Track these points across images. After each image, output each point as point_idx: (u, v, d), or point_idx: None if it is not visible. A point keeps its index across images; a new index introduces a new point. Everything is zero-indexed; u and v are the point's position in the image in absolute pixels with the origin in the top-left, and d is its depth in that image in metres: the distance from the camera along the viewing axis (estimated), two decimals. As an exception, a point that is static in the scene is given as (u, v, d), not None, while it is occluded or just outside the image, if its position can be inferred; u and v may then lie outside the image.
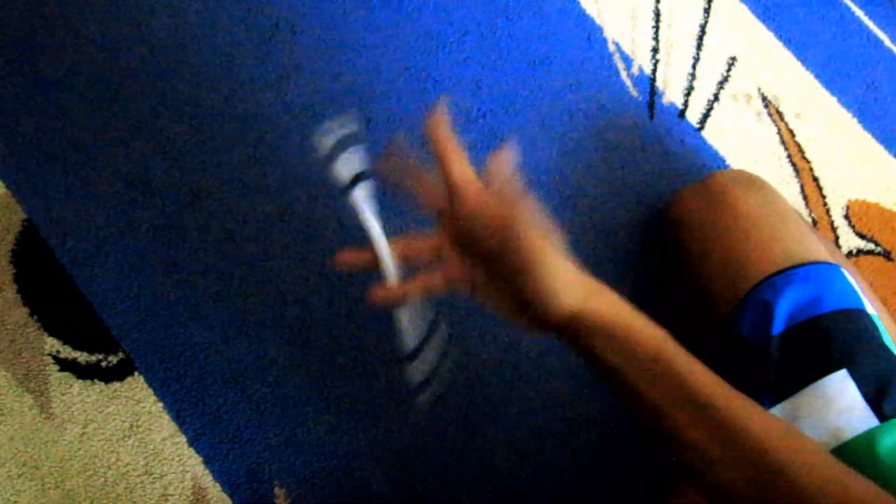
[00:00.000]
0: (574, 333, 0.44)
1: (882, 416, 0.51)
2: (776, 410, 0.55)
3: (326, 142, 0.47)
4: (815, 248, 0.61)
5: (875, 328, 0.56)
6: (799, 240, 0.62)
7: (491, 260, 0.45)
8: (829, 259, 0.60)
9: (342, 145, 0.48)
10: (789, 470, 0.39)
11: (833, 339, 0.54)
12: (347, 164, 0.48)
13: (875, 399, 0.52)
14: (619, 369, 0.43)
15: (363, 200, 0.48)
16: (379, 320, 0.78)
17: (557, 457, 0.77)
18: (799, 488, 0.38)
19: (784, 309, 0.57)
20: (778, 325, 0.57)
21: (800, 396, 0.54)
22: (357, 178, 0.48)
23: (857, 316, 0.56)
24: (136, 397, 0.75)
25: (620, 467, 0.77)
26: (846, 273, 0.59)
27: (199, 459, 0.74)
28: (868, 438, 0.51)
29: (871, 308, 0.58)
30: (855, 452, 0.51)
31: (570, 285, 0.43)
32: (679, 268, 0.74)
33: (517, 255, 0.42)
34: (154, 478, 0.74)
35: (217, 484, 0.74)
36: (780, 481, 0.39)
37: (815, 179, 0.87)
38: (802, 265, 0.58)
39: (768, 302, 0.57)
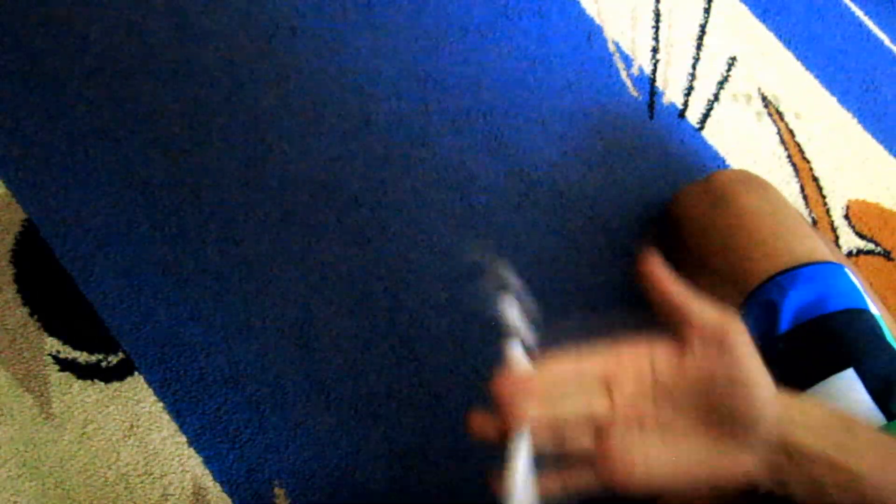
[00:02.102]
0: (784, 457, 0.36)
1: (889, 415, 0.51)
2: None
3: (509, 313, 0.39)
4: (818, 248, 0.61)
5: (879, 328, 0.56)
6: (802, 239, 0.62)
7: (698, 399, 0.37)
8: (832, 258, 0.60)
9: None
10: None
11: (839, 339, 0.54)
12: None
13: (882, 398, 0.52)
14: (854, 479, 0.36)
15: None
16: (378, 318, 0.78)
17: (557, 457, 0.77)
18: None
19: (789, 309, 0.57)
20: (783, 325, 0.57)
21: (806, 396, 0.54)
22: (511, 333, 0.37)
23: (862, 315, 0.56)
24: (136, 397, 0.75)
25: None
26: (849, 272, 0.59)
27: (199, 459, 0.74)
28: None
29: (873, 308, 0.58)
30: None
31: (779, 405, 0.37)
32: (680, 267, 0.74)
33: (732, 371, 0.36)
34: (154, 478, 0.74)
35: (217, 484, 0.74)
36: None
37: (815, 179, 0.87)
38: (806, 265, 0.58)
39: (773, 302, 0.57)
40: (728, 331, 0.36)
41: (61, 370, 0.75)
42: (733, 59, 0.89)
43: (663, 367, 0.37)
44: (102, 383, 0.75)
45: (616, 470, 0.37)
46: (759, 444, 0.36)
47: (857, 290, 0.58)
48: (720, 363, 0.36)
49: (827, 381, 0.53)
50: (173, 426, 0.75)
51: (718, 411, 0.36)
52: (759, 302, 0.58)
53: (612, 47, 0.88)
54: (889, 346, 0.55)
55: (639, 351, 0.38)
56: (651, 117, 0.86)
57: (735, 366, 0.36)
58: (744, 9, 0.91)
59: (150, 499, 0.73)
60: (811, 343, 0.55)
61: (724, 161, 0.86)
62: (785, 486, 0.37)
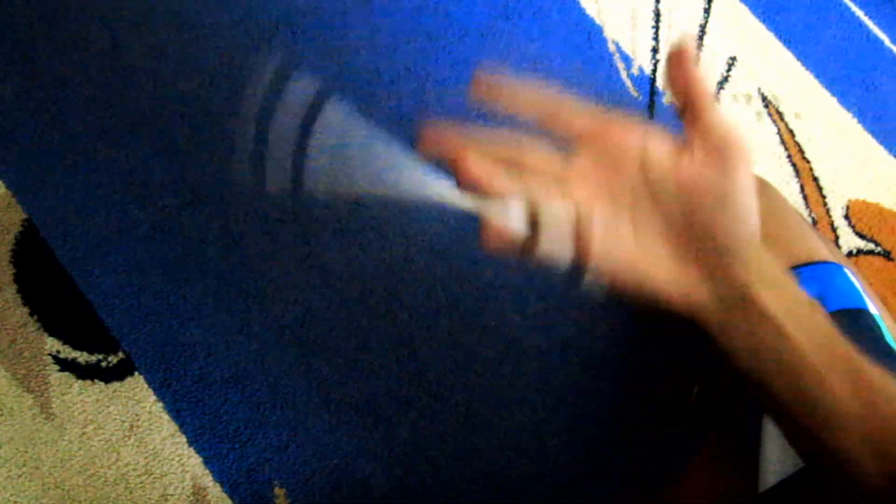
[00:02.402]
0: (739, 304, 0.35)
1: None
2: None
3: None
4: (818, 248, 0.61)
5: (878, 328, 0.56)
6: (801, 239, 0.62)
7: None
8: (832, 258, 0.60)
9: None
10: None
11: None
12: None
13: None
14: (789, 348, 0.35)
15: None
16: (378, 318, 0.78)
17: (557, 456, 0.77)
18: None
19: None
20: None
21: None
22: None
23: (861, 316, 0.56)
24: (136, 397, 0.75)
25: (621, 466, 0.77)
26: (848, 272, 0.59)
27: (199, 459, 0.74)
28: None
29: (873, 308, 0.58)
30: None
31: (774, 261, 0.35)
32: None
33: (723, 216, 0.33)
34: (154, 478, 0.74)
35: (217, 484, 0.74)
36: None
37: (815, 179, 0.87)
38: (806, 265, 0.58)
39: None
40: (736, 146, 0.33)
41: (61, 370, 0.75)
42: (733, 59, 0.89)
43: (656, 160, 0.34)
44: (102, 383, 0.75)
45: (587, 250, 0.36)
46: (722, 281, 0.34)
47: (857, 291, 0.58)
48: (718, 177, 0.33)
49: None
50: (173, 426, 0.75)
51: (697, 226, 0.34)
52: None
53: (612, 47, 0.88)
54: (888, 346, 0.55)
55: (633, 132, 0.35)
56: (651, 117, 0.86)
57: (731, 187, 0.33)
58: (744, 9, 0.91)
59: (150, 499, 0.73)
60: None
61: (724, 161, 0.86)
62: (726, 335, 0.35)
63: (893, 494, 0.36)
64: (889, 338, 0.56)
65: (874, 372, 0.37)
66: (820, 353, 0.35)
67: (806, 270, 0.58)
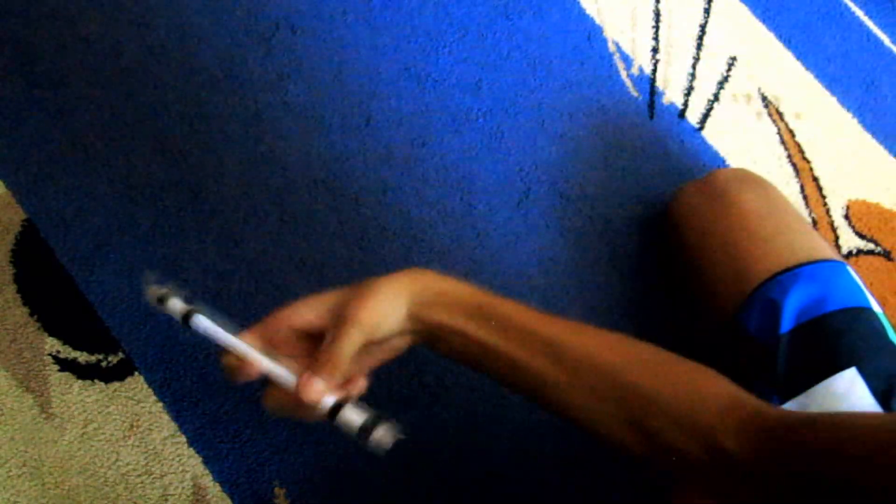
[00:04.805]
0: (425, 336, 0.48)
1: None
2: (785, 408, 0.55)
3: (155, 291, 0.50)
4: (819, 246, 0.61)
5: (882, 326, 0.56)
6: (802, 237, 0.62)
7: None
8: (834, 256, 0.60)
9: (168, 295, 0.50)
10: (625, 373, 0.44)
11: (841, 338, 0.54)
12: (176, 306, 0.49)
13: (885, 397, 0.52)
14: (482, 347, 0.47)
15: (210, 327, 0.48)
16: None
17: (557, 457, 0.77)
18: (634, 386, 0.43)
19: (792, 307, 0.57)
20: (786, 324, 0.57)
21: (809, 395, 0.54)
22: (189, 314, 0.49)
23: (864, 314, 0.56)
24: (136, 397, 0.75)
25: (623, 467, 0.77)
26: (851, 270, 0.59)
27: (199, 459, 0.74)
28: None
29: (876, 306, 0.58)
30: None
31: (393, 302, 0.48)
32: (681, 266, 0.74)
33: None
34: (154, 478, 0.74)
35: (217, 484, 0.74)
36: (620, 386, 0.43)
37: (815, 179, 0.87)
38: (808, 263, 0.58)
39: (775, 300, 0.57)
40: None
41: (61, 370, 0.75)
42: (733, 59, 0.90)
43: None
44: (102, 383, 0.75)
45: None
46: (402, 332, 0.47)
47: (859, 288, 0.58)
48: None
49: (829, 380, 0.53)
50: (173, 426, 0.75)
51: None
52: (760, 301, 0.58)
53: (612, 47, 0.88)
54: (892, 344, 0.55)
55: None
56: (651, 117, 0.86)
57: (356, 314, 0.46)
58: (744, 9, 0.91)
59: (150, 499, 0.73)
60: (813, 342, 0.55)
61: (724, 161, 0.86)
62: (438, 349, 0.48)
63: (659, 464, 0.43)
64: (893, 336, 0.56)
65: (573, 340, 0.46)
66: (510, 342, 0.45)
67: (809, 268, 0.58)
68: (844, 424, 0.37)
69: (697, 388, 0.43)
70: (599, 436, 0.45)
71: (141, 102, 0.81)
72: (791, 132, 0.88)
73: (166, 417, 0.75)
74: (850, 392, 0.52)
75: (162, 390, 0.75)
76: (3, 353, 0.75)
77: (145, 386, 0.75)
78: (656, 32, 0.89)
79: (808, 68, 0.90)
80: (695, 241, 0.69)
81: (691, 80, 0.88)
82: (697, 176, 0.77)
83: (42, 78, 0.81)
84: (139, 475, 0.74)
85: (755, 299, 0.59)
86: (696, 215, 0.70)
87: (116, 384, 0.75)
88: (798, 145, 0.88)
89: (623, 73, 0.88)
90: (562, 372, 0.44)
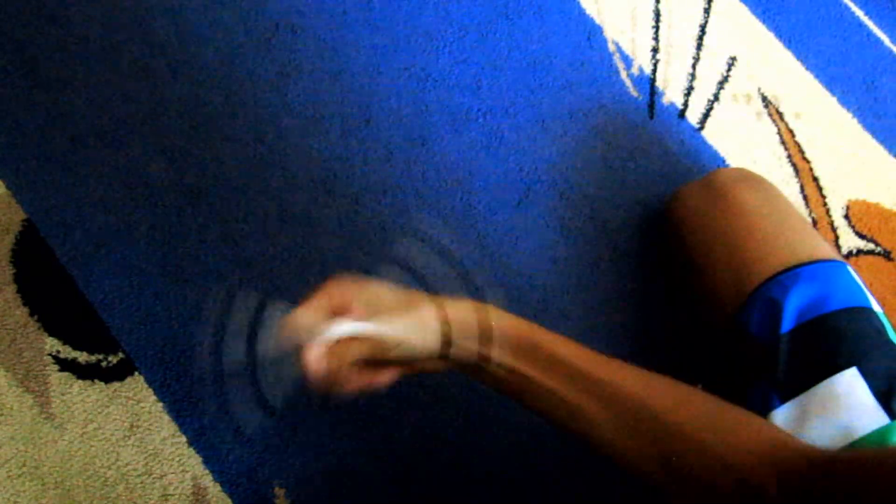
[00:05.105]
0: (466, 367, 0.49)
1: (893, 414, 0.51)
2: (786, 408, 0.55)
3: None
4: (820, 245, 0.61)
5: (882, 325, 0.56)
6: (803, 237, 0.62)
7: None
8: (834, 256, 0.60)
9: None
10: (669, 414, 0.45)
11: (842, 337, 0.54)
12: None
13: (886, 397, 0.52)
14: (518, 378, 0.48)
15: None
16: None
17: (557, 457, 0.77)
18: (676, 426, 0.45)
19: (792, 307, 0.56)
20: (787, 324, 0.57)
21: (810, 394, 0.54)
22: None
23: (865, 314, 0.56)
24: (136, 397, 0.75)
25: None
26: (851, 270, 0.59)
27: (199, 459, 0.74)
28: (880, 436, 0.51)
29: (876, 305, 0.58)
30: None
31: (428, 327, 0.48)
32: (681, 266, 0.74)
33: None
34: (154, 478, 0.74)
35: (217, 484, 0.74)
36: (661, 426, 0.45)
37: (815, 179, 0.87)
38: (808, 263, 0.58)
39: (776, 300, 0.57)
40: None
41: (61, 370, 0.75)
42: (733, 59, 0.89)
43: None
44: (102, 383, 0.75)
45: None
46: (431, 357, 0.48)
47: (860, 288, 0.58)
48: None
49: (830, 379, 0.53)
50: (173, 426, 0.75)
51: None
52: (761, 300, 0.58)
53: (612, 47, 0.88)
54: (892, 344, 0.55)
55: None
56: (651, 117, 0.86)
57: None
58: (744, 9, 0.91)
59: (150, 499, 0.73)
60: (814, 342, 0.55)
61: (724, 161, 0.86)
62: (481, 379, 0.49)
63: (680, 494, 0.45)
64: (893, 336, 0.56)
65: (619, 381, 0.47)
66: (551, 377, 0.46)
67: (810, 268, 0.58)
68: (889, 462, 0.38)
69: (738, 430, 0.45)
70: (625, 463, 0.46)
71: (141, 102, 0.81)
72: (791, 132, 0.88)
73: (166, 417, 0.75)
74: (850, 392, 0.52)
75: (162, 390, 0.75)
76: (3, 353, 0.75)
77: (145, 386, 0.75)
78: (656, 32, 0.89)
79: (808, 68, 0.90)
80: (695, 241, 0.69)
81: (691, 80, 0.88)
82: (697, 176, 0.77)
83: (42, 78, 0.81)
84: (139, 475, 0.74)
85: (755, 299, 0.59)
86: (696, 215, 0.70)
87: (116, 384, 0.75)
88: (798, 145, 0.88)
89: (623, 73, 0.88)
90: (607, 411, 0.46)
